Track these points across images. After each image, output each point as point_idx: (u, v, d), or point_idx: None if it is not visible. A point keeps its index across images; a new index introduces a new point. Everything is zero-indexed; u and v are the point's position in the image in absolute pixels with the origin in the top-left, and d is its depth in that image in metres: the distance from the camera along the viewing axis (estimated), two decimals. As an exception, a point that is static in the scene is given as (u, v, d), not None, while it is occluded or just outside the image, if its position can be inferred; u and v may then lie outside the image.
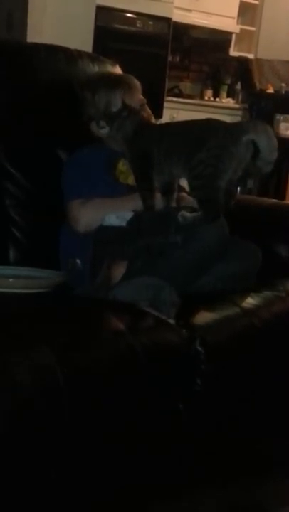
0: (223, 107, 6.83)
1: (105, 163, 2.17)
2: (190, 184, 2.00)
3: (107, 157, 2.19)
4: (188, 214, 1.96)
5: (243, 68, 7.07)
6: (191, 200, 2.08)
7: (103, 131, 2.20)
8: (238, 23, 6.98)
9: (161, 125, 2.19)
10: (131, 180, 2.14)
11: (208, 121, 2.05)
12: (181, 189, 2.14)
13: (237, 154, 1.92)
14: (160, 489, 1.64)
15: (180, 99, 6.47)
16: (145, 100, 2.27)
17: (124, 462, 1.51)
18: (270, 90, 6.73)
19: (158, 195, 2.08)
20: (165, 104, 5.89)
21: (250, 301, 1.92)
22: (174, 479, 1.66)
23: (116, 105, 2.15)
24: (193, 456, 1.70)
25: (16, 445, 1.29)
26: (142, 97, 2.27)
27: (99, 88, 2.24)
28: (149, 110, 2.27)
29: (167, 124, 2.20)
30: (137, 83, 2.29)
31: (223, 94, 7.18)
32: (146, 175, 2.03)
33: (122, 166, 2.17)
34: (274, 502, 1.93)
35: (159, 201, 2.08)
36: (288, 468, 2.00)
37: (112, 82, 2.27)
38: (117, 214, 2.07)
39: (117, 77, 2.36)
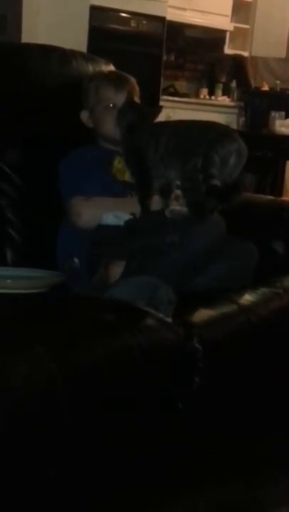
0: (219, 105, 6.84)
1: (102, 161, 2.17)
2: (182, 185, 2.02)
3: (104, 155, 2.20)
4: (176, 208, 2.00)
5: (238, 66, 7.08)
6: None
7: (88, 122, 2.25)
8: (232, 21, 7.00)
9: (157, 124, 2.19)
10: (127, 177, 2.16)
11: (206, 126, 2.06)
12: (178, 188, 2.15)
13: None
14: (160, 489, 1.63)
15: (176, 98, 6.47)
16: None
17: (124, 462, 1.51)
18: (265, 88, 6.74)
19: (156, 197, 2.09)
20: (161, 104, 5.88)
21: (247, 298, 1.92)
22: (174, 479, 1.65)
23: (104, 96, 2.22)
24: (193, 456, 1.69)
25: (15, 445, 1.28)
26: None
27: (97, 77, 2.31)
28: None
29: (163, 123, 2.19)
30: (137, 88, 2.30)
31: (219, 92, 7.18)
32: (145, 176, 2.04)
33: (118, 163, 2.19)
34: (274, 502, 1.92)
35: (157, 203, 2.09)
36: (288, 468, 2.00)
37: (111, 75, 2.34)
38: (115, 214, 2.08)
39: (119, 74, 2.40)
